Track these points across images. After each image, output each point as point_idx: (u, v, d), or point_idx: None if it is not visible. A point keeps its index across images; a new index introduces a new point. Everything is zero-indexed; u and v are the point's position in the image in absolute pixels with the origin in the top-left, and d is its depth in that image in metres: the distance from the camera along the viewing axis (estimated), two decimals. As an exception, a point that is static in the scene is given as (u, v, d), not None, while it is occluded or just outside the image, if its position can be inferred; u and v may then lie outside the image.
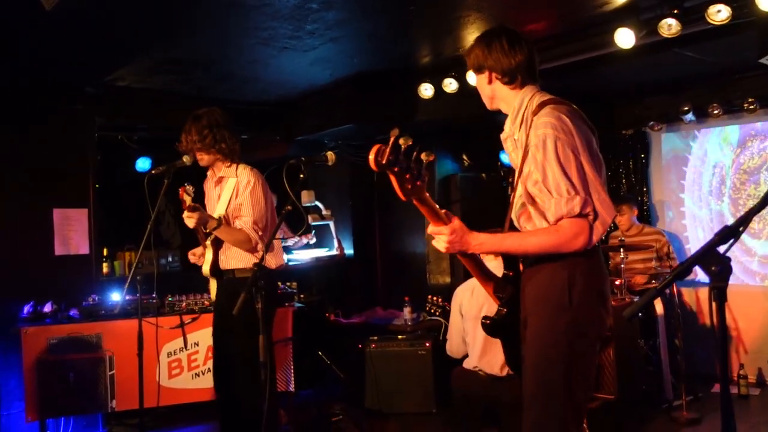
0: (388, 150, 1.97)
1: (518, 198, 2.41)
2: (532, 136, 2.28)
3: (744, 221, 1.39)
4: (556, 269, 2.25)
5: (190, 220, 3.63)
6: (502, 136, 2.55)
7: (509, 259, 2.48)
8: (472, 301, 3.90)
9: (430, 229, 2.29)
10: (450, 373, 4.08)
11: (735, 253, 6.28)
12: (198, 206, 3.66)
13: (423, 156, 2.06)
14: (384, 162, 1.97)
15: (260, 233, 3.71)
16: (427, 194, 2.17)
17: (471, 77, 5.18)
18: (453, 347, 4.09)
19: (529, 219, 2.38)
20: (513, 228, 2.47)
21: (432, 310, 4.15)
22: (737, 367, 5.75)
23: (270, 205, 3.87)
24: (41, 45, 4.59)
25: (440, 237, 2.25)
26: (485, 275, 2.49)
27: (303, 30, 4.51)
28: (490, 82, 2.50)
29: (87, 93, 5.57)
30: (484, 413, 3.81)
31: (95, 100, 5.63)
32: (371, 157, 1.98)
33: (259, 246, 3.69)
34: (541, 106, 2.33)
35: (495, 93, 2.51)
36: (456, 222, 2.26)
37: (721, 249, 1.44)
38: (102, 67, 5.24)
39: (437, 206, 2.23)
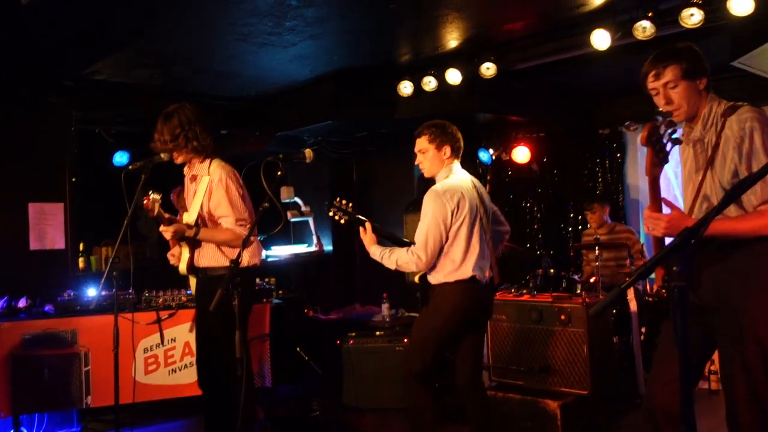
0: (650, 130, 2.34)
1: (705, 190, 2.56)
2: (735, 129, 2.46)
3: (704, 223, 1.43)
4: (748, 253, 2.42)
5: (167, 233, 3.64)
6: (692, 139, 2.66)
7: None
8: (469, 204, 3.60)
9: (647, 212, 2.53)
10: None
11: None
12: (173, 218, 3.69)
13: (672, 139, 2.41)
14: (651, 139, 2.36)
15: (248, 226, 3.70)
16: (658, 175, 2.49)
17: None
18: (430, 258, 3.57)
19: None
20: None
21: (337, 217, 3.72)
22: (708, 362, 5.85)
23: (246, 197, 3.85)
24: (17, 38, 4.55)
25: (659, 222, 2.46)
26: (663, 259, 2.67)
27: (282, 26, 4.51)
28: (705, 87, 2.61)
29: (64, 86, 5.52)
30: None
31: (72, 93, 5.58)
32: (644, 133, 2.41)
33: (252, 237, 3.67)
34: (733, 107, 2.53)
35: (699, 99, 2.61)
36: (674, 209, 2.47)
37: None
38: (79, 60, 5.20)
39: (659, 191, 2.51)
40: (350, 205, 3.70)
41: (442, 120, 3.74)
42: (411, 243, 3.62)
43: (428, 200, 3.54)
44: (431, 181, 3.63)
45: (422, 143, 3.69)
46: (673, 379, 2.58)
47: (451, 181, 3.61)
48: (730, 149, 2.48)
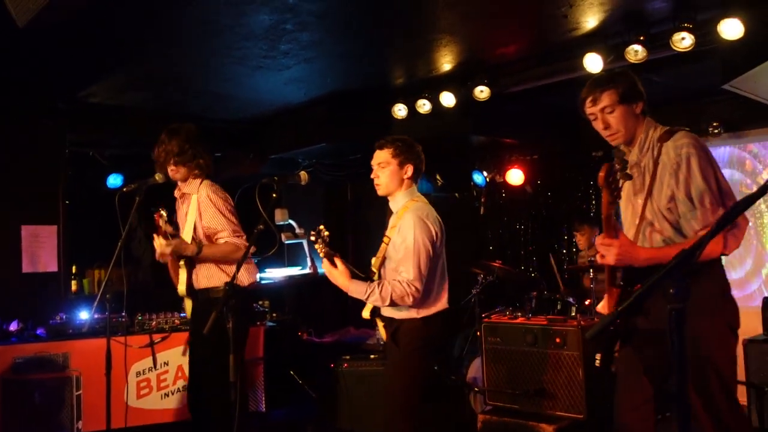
0: (607, 170, 2.37)
1: (647, 215, 2.61)
2: (672, 155, 2.52)
3: (699, 246, 1.43)
4: (709, 278, 2.46)
5: (167, 248, 3.59)
6: (630, 161, 2.70)
7: (630, 272, 2.66)
8: (441, 235, 3.44)
9: (599, 240, 2.55)
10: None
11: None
12: (175, 233, 3.65)
13: (621, 180, 2.44)
14: (608, 179, 2.39)
15: (244, 237, 3.70)
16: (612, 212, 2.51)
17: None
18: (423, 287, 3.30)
19: (659, 233, 2.60)
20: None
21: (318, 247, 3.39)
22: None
23: (233, 210, 3.84)
24: (12, 61, 4.56)
25: (611, 249, 2.49)
26: (614, 284, 2.70)
27: (277, 50, 4.54)
28: (641, 111, 2.66)
29: (58, 109, 5.53)
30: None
31: (66, 115, 5.59)
32: (602, 174, 2.40)
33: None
34: (669, 132, 2.60)
35: (635, 123, 2.66)
36: (624, 238, 2.51)
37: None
38: (74, 83, 5.21)
39: (616, 224, 2.55)
40: (327, 235, 3.33)
41: (408, 137, 3.44)
42: (368, 277, 3.35)
43: (412, 226, 3.24)
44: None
45: (384, 156, 3.35)
46: (644, 402, 2.60)
47: (427, 206, 3.37)
48: (666, 175, 2.53)
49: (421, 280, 3.21)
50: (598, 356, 2.71)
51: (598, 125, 2.68)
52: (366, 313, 3.45)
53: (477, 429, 4.48)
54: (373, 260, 3.45)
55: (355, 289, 3.27)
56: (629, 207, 2.74)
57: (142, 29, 4.16)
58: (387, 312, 3.37)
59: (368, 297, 3.25)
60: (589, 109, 2.67)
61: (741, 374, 4.26)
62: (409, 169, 3.37)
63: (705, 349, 2.40)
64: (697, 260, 2.34)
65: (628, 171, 2.56)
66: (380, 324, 3.49)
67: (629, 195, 2.73)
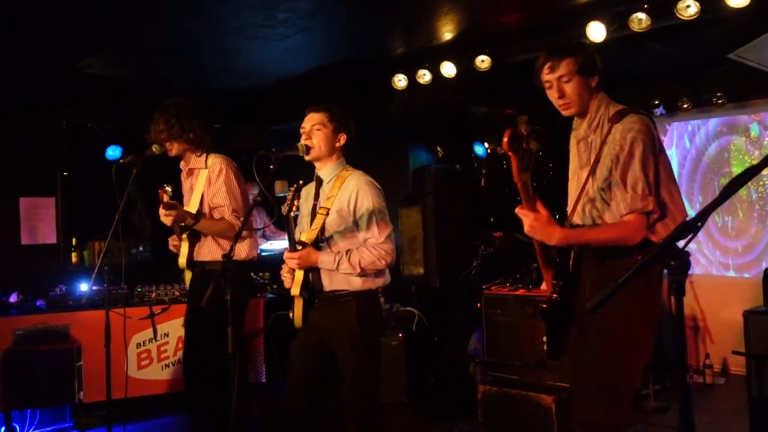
0: (510, 136, 2.33)
1: (588, 192, 2.63)
2: (617, 138, 2.51)
3: (701, 217, 1.41)
4: (627, 262, 2.44)
5: (167, 218, 3.59)
6: (577, 137, 2.74)
7: (563, 250, 2.69)
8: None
9: (517, 210, 2.58)
10: (425, 364, 4.04)
11: (702, 243, 6.39)
12: (175, 203, 3.61)
13: (532, 144, 2.40)
14: (512, 145, 2.35)
15: (241, 218, 3.69)
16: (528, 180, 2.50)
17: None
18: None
19: (596, 210, 2.62)
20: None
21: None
22: (703, 356, 5.85)
23: (245, 192, 3.85)
24: (4, 33, 4.49)
25: (525, 219, 2.53)
26: (548, 262, 2.72)
27: (275, 19, 4.46)
28: (596, 85, 2.65)
29: (54, 81, 5.46)
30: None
31: (62, 88, 5.53)
32: (505, 139, 2.33)
33: (244, 233, 3.65)
34: (621, 113, 2.56)
35: (590, 97, 2.65)
36: (543, 212, 2.52)
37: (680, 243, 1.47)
38: (69, 55, 5.14)
39: (533, 193, 2.55)
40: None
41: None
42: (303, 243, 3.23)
43: (366, 190, 3.20)
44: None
45: (319, 118, 3.28)
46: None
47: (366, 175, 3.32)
48: (609, 156, 2.54)
49: (392, 240, 3.19)
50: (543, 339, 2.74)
51: (552, 93, 2.66)
52: (295, 290, 3.29)
53: (477, 400, 4.50)
54: (304, 234, 3.30)
55: (323, 260, 3.18)
56: (575, 179, 2.77)
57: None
58: (338, 282, 3.22)
59: (338, 265, 3.14)
60: (546, 76, 2.64)
61: (741, 345, 4.27)
62: (342, 138, 3.33)
63: (613, 319, 2.47)
64: (611, 245, 2.48)
65: (576, 144, 2.64)
66: (298, 304, 3.33)
67: (576, 168, 2.75)
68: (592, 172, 2.60)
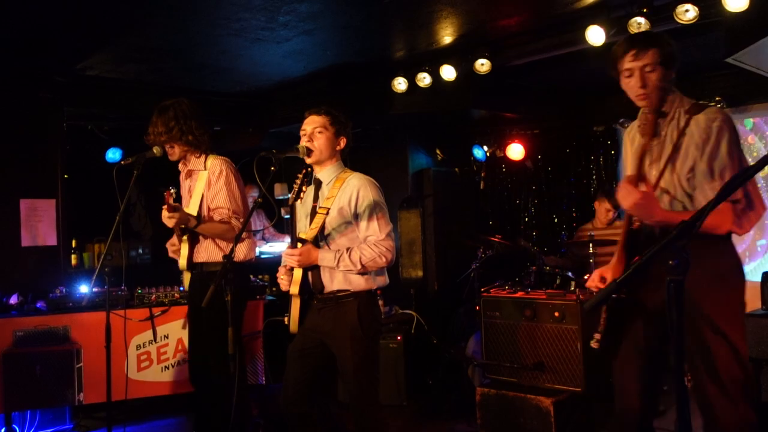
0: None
1: (662, 184, 2.58)
2: (702, 127, 2.49)
3: (700, 216, 1.42)
4: (725, 251, 2.51)
5: (170, 220, 3.58)
6: (642, 132, 2.69)
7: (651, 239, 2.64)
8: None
9: (622, 183, 2.61)
10: (424, 366, 4.07)
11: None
12: (178, 206, 3.61)
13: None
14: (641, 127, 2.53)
15: (241, 220, 3.70)
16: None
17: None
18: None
19: (676, 200, 2.59)
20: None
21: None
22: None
23: (244, 194, 3.85)
24: (7, 33, 4.51)
25: (630, 196, 2.53)
26: (628, 250, 2.72)
27: (276, 21, 4.48)
28: (672, 81, 2.61)
29: (55, 82, 5.47)
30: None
31: (64, 89, 5.54)
32: (637, 123, 2.51)
33: (243, 234, 3.66)
34: (699, 106, 2.55)
35: (668, 90, 2.60)
36: (649, 189, 2.55)
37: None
38: (71, 55, 5.15)
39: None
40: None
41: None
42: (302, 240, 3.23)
43: (367, 189, 3.21)
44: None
45: (321, 121, 3.28)
46: (644, 374, 2.63)
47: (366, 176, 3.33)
48: (692, 146, 2.50)
49: (392, 237, 3.19)
50: (597, 336, 2.70)
51: (632, 82, 2.58)
52: (294, 289, 3.27)
53: (476, 402, 4.51)
54: (303, 234, 3.30)
55: (325, 257, 3.17)
56: (635, 172, 2.69)
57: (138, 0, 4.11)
58: (337, 282, 3.21)
59: (339, 262, 3.14)
60: (629, 63, 2.56)
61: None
62: (342, 141, 3.33)
63: (722, 324, 2.42)
64: (700, 231, 2.38)
65: (641, 134, 2.61)
66: (295, 304, 3.32)
67: (644, 161, 2.68)
68: (668, 164, 2.56)
